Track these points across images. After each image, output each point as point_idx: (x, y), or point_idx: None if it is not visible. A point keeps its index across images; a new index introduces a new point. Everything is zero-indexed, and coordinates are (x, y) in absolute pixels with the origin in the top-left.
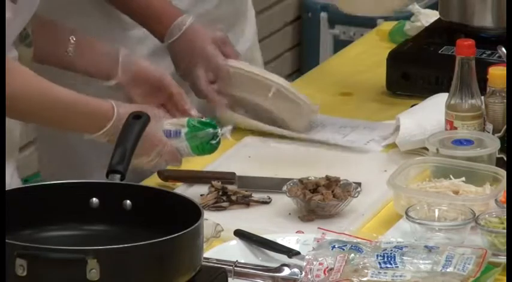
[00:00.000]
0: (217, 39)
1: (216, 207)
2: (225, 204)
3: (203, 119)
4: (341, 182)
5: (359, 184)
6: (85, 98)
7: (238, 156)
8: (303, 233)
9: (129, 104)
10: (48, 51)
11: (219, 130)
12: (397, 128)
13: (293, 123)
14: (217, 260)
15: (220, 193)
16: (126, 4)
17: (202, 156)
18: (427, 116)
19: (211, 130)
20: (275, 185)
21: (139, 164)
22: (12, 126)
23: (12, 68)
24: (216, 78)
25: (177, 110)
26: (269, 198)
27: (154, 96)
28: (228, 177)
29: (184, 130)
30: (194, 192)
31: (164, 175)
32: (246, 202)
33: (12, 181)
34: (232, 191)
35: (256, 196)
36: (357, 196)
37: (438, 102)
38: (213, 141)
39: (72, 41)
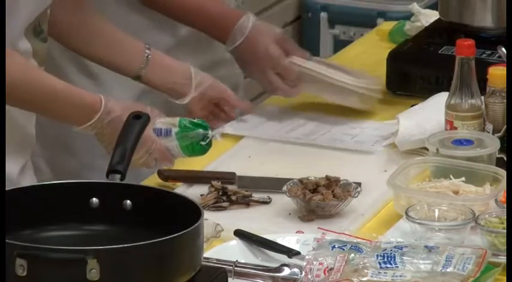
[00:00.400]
0: (278, 38)
1: (216, 207)
2: (225, 204)
3: (195, 120)
4: (341, 182)
5: (359, 184)
6: (76, 89)
7: (238, 156)
8: (303, 233)
9: (121, 100)
10: (114, 62)
11: (209, 132)
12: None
13: (359, 107)
14: (217, 260)
15: (220, 193)
16: (181, 10)
17: (202, 156)
18: (427, 116)
19: (201, 131)
20: (275, 185)
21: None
22: (25, 121)
23: (11, 54)
24: (284, 78)
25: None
26: (269, 198)
27: (212, 108)
28: (228, 177)
29: (175, 129)
30: (194, 192)
31: (164, 175)
32: (246, 202)
33: (25, 177)
34: (232, 191)
35: (256, 196)
36: (357, 196)
37: (438, 102)
38: (203, 143)
39: (145, 55)
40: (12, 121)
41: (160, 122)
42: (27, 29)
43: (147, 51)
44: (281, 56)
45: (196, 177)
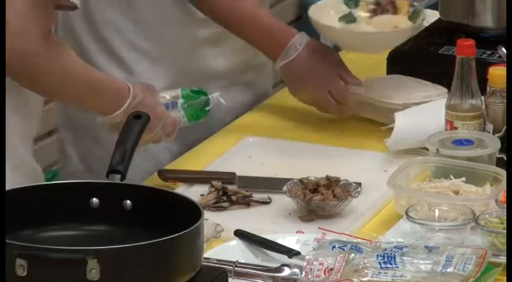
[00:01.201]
0: (333, 62)
1: (216, 207)
2: (225, 204)
3: (194, 88)
4: (341, 182)
5: (359, 184)
6: (107, 78)
7: (238, 156)
8: (303, 233)
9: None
10: None
11: (210, 96)
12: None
13: None
14: (217, 260)
15: (220, 193)
16: (237, 23)
17: (202, 157)
18: (424, 115)
19: (204, 97)
20: (275, 185)
21: (145, 141)
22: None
23: (57, 43)
24: (337, 101)
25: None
26: (269, 198)
27: None
28: (228, 177)
29: (180, 101)
30: (194, 192)
31: (164, 175)
32: (246, 202)
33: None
34: (233, 191)
35: (256, 196)
36: (357, 196)
37: (437, 105)
38: (207, 108)
39: None
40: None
41: (163, 96)
42: None
43: None
44: (336, 78)
45: (196, 178)
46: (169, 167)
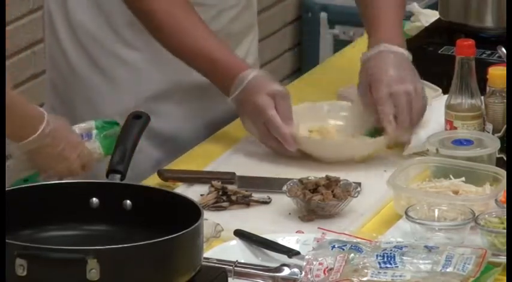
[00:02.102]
0: (275, 93)
1: (216, 207)
2: (225, 204)
3: (107, 119)
4: (341, 182)
5: (359, 184)
6: (22, 103)
7: (238, 156)
8: (303, 233)
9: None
10: None
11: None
12: None
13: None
14: (217, 260)
15: (220, 193)
16: (190, 58)
17: (202, 156)
18: (432, 120)
19: (118, 127)
20: (275, 185)
21: (60, 171)
22: None
23: None
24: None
25: None
26: (269, 198)
27: None
28: (228, 177)
29: (94, 131)
30: (194, 192)
31: (164, 175)
32: (246, 202)
33: None
34: (232, 191)
35: (256, 196)
36: (357, 196)
37: (440, 105)
38: None
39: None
40: None
41: (77, 127)
42: None
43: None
44: (268, 106)
45: (196, 178)
46: (169, 167)
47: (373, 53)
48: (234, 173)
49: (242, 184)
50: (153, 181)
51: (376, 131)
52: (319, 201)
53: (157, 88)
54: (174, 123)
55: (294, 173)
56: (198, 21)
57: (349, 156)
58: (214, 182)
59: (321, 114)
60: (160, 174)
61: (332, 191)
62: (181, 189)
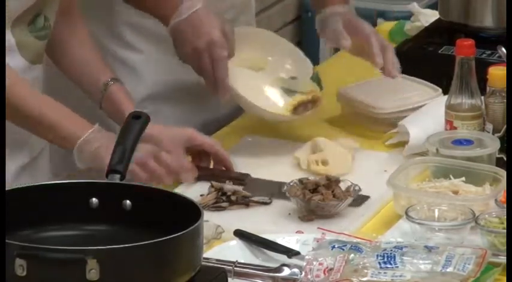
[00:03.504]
0: (224, 27)
1: (216, 207)
2: (224, 204)
3: None
4: (341, 182)
5: (357, 184)
6: (60, 122)
7: (238, 156)
8: (302, 233)
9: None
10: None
11: None
12: (402, 133)
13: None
14: (217, 260)
15: (219, 193)
16: None
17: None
18: (432, 120)
19: None
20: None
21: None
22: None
23: (15, 79)
24: (217, 70)
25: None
26: (269, 199)
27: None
28: (240, 178)
29: None
30: (194, 192)
31: None
32: (245, 202)
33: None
34: (232, 191)
35: (256, 197)
36: (357, 196)
37: (439, 106)
38: None
39: (103, 88)
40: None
41: None
42: (18, 20)
43: (105, 84)
44: (223, 46)
45: (210, 175)
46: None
47: (340, 10)
48: (248, 174)
49: (251, 187)
50: None
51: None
52: (319, 201)
53: (156, 89)
54: (173, 124)
55: (294, 173)
56: None
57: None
58: (214, 182)
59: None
60: None
61: (332, 191)
62: (181, 189)
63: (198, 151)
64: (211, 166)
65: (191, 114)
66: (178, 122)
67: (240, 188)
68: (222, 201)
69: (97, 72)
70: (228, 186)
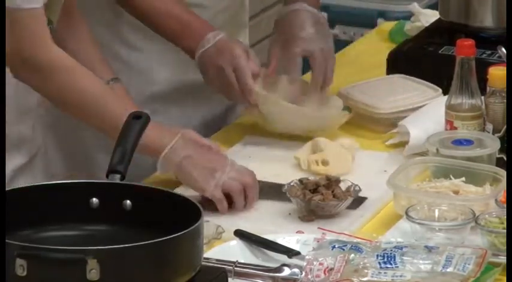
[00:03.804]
0: (247, 49)
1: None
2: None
3: None
4: (341, 182)
5: (357, 184)
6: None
7: (238, 156)
8: (303, 233)
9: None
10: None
11: None
12: (402, 133)
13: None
14: (217, 260)
15: None
16: (159, 23)
17: None
18: (432, 120)
19: None
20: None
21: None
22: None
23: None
24: (238, 78)
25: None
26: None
27: None
28: None
29: None
30: (194, 192)
31: None
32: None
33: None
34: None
35: None
36: (357, 196)
37: (440, 106)
38: None
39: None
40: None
41: None
42: None
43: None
44: (243, 57)
45: None
46: None
47: (290, 10)
48: None
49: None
50: (153, 181)
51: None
52: (319, 202)
53: (158, 88)
54: (174, 123)
55: (294, 173)
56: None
57: (301, 126)
58: None
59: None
60: None
61: (332, 191)
62: (181, 189)
63: None
64: None
65: (192, 114)
66: (180, 122)
67: None
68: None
69: (97, 72)
70: None
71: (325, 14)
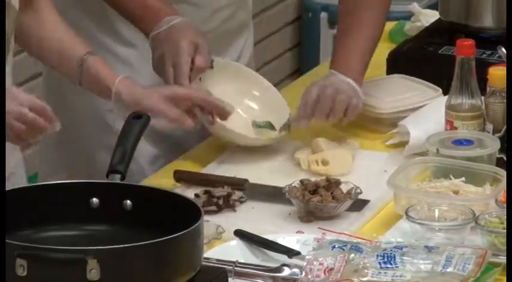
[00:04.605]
0: (196, 42)
1: (206, 211)
2: (211, 207)
3: None
4: (343, 184)
5: (359, 187)
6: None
7: (238, 156)
8: (303, 233)
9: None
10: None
11: None
12: (402, 133)
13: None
14: (217, 260)
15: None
16: (122, 6)
17: (202, 156)
18: (432, 120)
19: None
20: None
21: None
22: None
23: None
24: (176, 73)
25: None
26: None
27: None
28: (239, 184)
29: None
30: (194, 192)
31: (177, 176)
32: (230, 205)
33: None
34: (219, 196)
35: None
36: (357, 199)
37: (440, 106)
38: None
39: (79, 64)
40: None
41: None
42: None
43: (83, 59)
44: (186, 52)
45: (208, 180)
46: (170, 166)
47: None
48: (246, 180)
49: (251, 192)
50: (153, 181)
51: (266, 126)
52: (317, 203)
53: (152, 84)
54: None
55: (294, 173)
56: None
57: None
58: (205, 188)
59: (242, 86)
60: (174, 174)
61: (332, 193)
62: (181, 189)
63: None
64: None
65: None
66: None
67: (233, 192)
68: (209, 204)
69: (71, 49)
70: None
71: (325, 14)
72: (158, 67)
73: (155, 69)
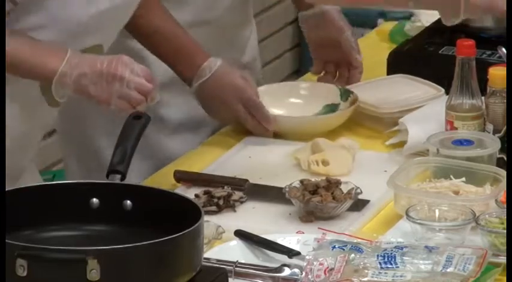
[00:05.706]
0: (246, 77)
1: (206, 211)
2: (212, 208)
3: None
4: (343, 184)
5: (359, 187)
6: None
7: (238, 156)
8: (303, 233)
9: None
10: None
11: None
12: (402, 131)
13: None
14: (217, 260)
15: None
16: (155, 46)
17: (202, 157)
18: (432, 120)
19: None
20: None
21: None
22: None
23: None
24: (249, 110)
25: None
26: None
27: None
28: (239, 183)
29: None
30: (194, 192)
31: (177, 176)
32: (230, 205)
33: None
34: (219, 196)
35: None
36: (357, 199)
37: (440, 106)
38: None
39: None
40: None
41: None
42: None
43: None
44: (247, 87)
45: (208, 180)
46: (170, 167)
47: (317, 11)
48: (246, 180)
49: (251, 191)
50: (153, 181)
51: (330, 108)
52: (317, 203)
53: (166, 78)
54: (183, 113)
55: (294, 173)
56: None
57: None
58: (205, 189)
59: (282, 93)
60: (174, 174)
61: (332, 193)
62: (181, 189)
63: None
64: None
65: (195, 104)
66: (189, 111)
67: (233, 192)
68: (209, 205)
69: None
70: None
71: None
72: (221, 113)
73: (215, 117)
